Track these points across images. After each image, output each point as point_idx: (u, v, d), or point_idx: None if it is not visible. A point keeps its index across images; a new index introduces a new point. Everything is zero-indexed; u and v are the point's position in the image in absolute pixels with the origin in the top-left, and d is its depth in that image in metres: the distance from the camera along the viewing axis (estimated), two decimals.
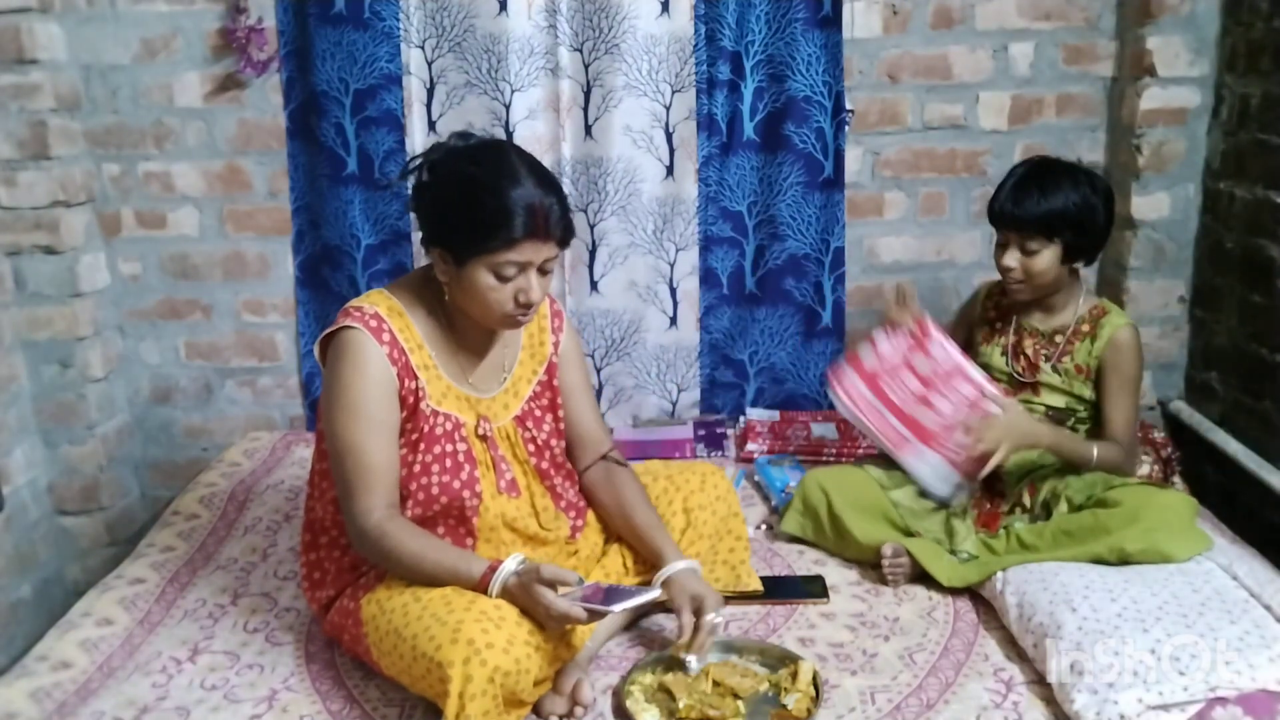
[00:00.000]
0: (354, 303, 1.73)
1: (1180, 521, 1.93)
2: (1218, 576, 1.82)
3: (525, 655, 1.50)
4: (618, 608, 1.58)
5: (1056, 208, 2.02)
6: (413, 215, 2.61)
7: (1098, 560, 1.89)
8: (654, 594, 1.66)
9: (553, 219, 1.62)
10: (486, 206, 1.60)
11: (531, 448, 1.82)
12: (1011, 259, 2.09)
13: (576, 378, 1.93)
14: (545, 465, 1.84)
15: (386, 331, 1.68)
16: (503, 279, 1.63)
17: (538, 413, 1.85)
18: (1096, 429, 2.16)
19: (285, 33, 2.63)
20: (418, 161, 1.70)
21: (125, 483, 2.80)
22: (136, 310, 2.81)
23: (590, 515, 1.93)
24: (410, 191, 1.72)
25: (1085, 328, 2.13)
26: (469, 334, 1.77)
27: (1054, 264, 2.07)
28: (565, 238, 1.67)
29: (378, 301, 1.72)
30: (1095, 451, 2.08)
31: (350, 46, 2.59)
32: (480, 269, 1.62)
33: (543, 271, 1.66)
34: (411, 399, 1.69)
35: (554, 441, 1.86)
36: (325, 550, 1.80)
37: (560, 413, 1.88)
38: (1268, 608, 1.71)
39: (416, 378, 1.69)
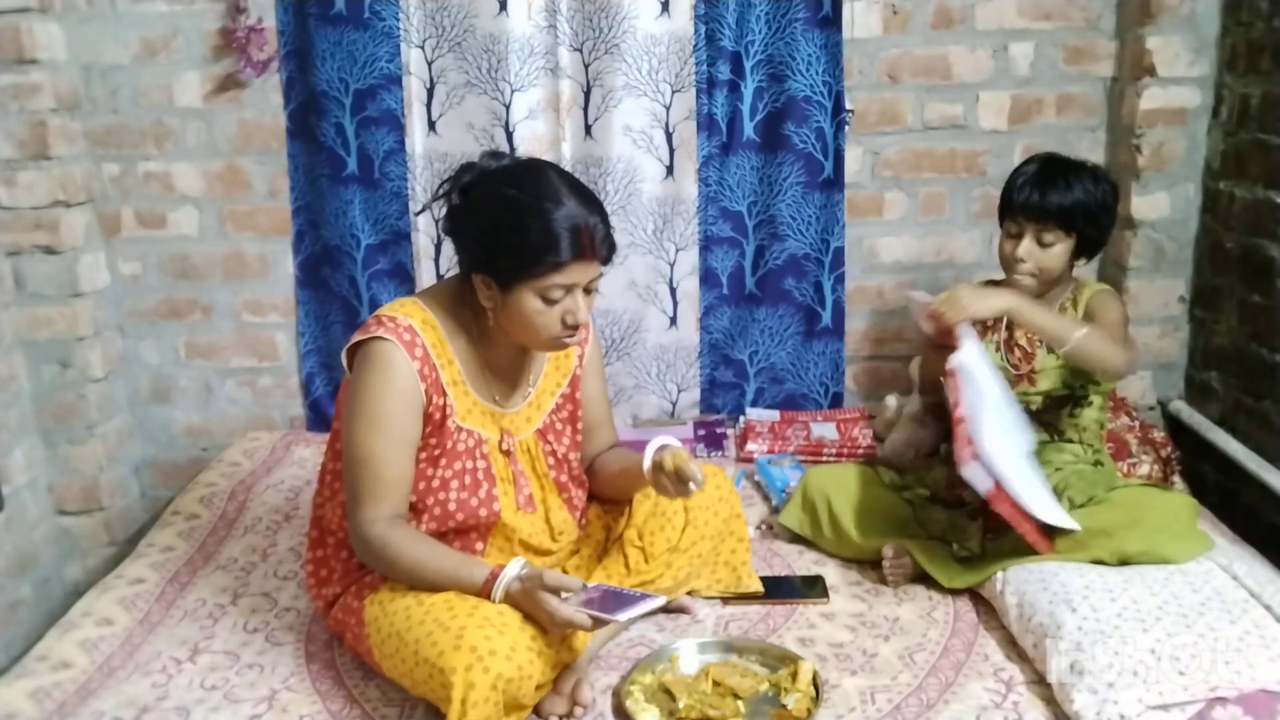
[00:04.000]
0: (387, 311, 1.69)
1: (1180, 524, 1.93)
2: (1218, 576, 1.82)
3: (528, 661, 1.50)
4: (623, 616, 1.56)
5: (1080, 200, 2.03)
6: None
7: (1097, 562, 1.89)
8: (658, 601, 1.65)
9: (598, 238, 1.60)
10: (531, 230, 1.56)
11: (551, 460, 1.82)
12: (1025, 250, 2.07)
13: (597, 387, 1.93)
14: (564, 478, 1.83)
15: (420, 346, 1.65)
16: (550, 302, 1.60)
17: (559, 425, 1.84)
18: (1096, 410, 2.14)
19: (285, 33, 2.63)
20: (448, 185, 1.67)
21: (125, 483, 2.81)
22: (136, 310, 2.81)
23: (591, 514, 1.93)
24: (445, 216, 1.68)
25: (1068, 304, 2.14)
26: (501, 350, 1.75)
27: (1066, 256, 2.08)
28: (609, 255, 1.65)
29: (412, 313, 1.68)
30: (1079, 330, 1.95)
31: (350, 46, 2.59)
32: (527, 294, 1.60)
33: (587, 291, 1.64)
34: (438, 415, 1.68)
35: (572, 455, 1.85)
36: (332, 550, 1.80)
37: (579, 425, 1.87)
38: (1268, 608, 1.71)
39: (445, 394, 1.68)
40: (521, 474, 1.77)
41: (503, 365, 1.77)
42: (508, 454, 1.75)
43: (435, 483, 1.68)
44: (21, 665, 1.78)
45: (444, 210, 1.69)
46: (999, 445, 1.89)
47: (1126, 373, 2.07)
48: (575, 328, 1.64)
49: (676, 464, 1.68)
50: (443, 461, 1.68)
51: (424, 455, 1.69)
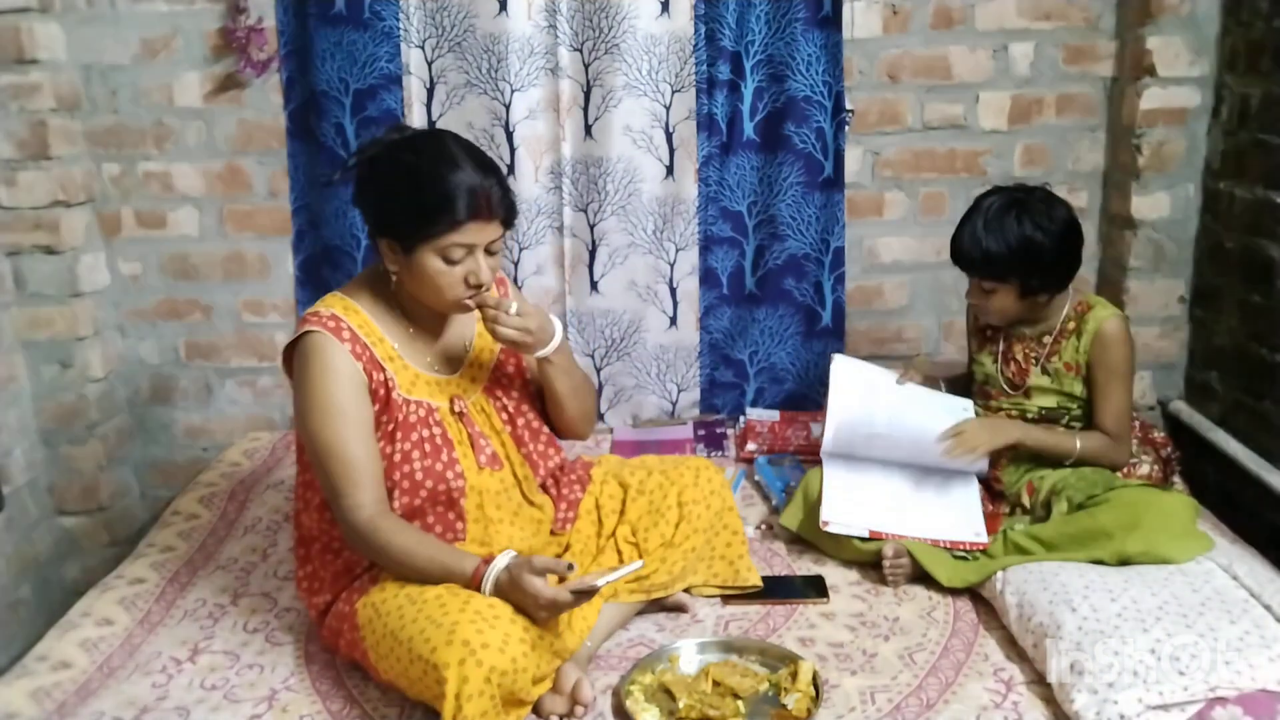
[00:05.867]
0: (311, 309, 1.75)
1: (1180, 524, 1.92)
2: (1218, 576, 1.82)
3: (521, 654, 1.50)
4: (601, 581, 1.61)
5: (997, 253, 2.03)
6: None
7: (1097, 562, 1.89)
8: (636, 565, 1.72)
9: (494, 199, 1.66)
10: (429, 192, 1.63)
11: (505, 416, 1.85)
12: (974, 297, 2.15)
13: None
14: (520, 432, 1.86)
15: (346, 329, 1.70)
16: (451, 262, 1.66)
17: (505, 381, 1.88)
18: (1088, 426, 2.16)
19: (285, 33, 2.63)
20: (354, 159, 1.74)
21: (125, 483, 2.80)
22: (136, 310, 2.81)
23: (582, 508, 1.93)
24: (353, 188, 1.75)
25: (1071, 325, 2.14)
26: (424, 320, 1.80)
27: (1012, 300, 2.09)
28: (508, 217, 1.71)
29: (332, 303, 1.75)
30: (1078, 442, 2.10)
31: (350, 46, 2.59)
32: (428, 254, 1.65)
33: (489, 252, 1.69)
34: (382, 391, 1.72)
35: (525, 407, 1.89)
36: (318, 558, 1.80)
37: (527, 376, 1.91)
38: (1268, 608, 1.71)
39: (384, 369, 1.72)
40: (480, 434, 1.80)
41: (430, 333, 1.81)
42: (461, 416, 1.78)
43: (397, 457, 1.71)
44: (21, 665, 1.78)
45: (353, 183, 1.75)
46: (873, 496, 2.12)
47: (1126, 460, 2.16)
48: (478, 287, 1.69)
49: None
50: (398, 435, 1.71)
51: (380, 434, 1.72)
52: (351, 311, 1.74)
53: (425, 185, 1.64)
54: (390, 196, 1.67)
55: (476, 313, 1.85)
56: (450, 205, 1.62)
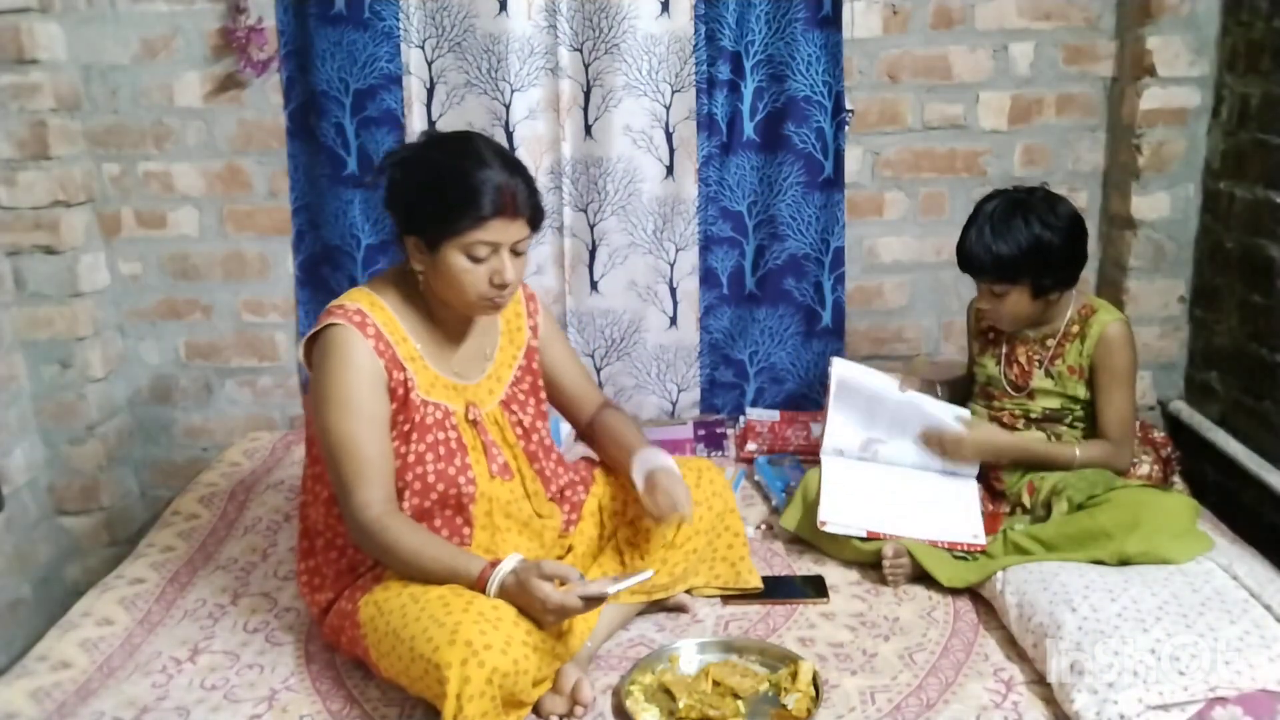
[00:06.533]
0: (336, 301, 1.75)
1: (1180, 525, 1.93)
2: (1218, 576, 1.82)
3: (523, 656, 1.50)
4: (612, 589, 1.60)
5: (1008, 255, 2.03)
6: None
7: (1097, 562, 1.89)
8: (647, 575, 1.69)
9: (520, 198, 1.66)
10: (454, 189, 1.63)
11: (519, 430, 1.85)
12: (984, 303, 2.15)
13: (563, 352, 1.97)
14: (533, 448, 1.86)
15: (371, 326, 1.70)
16: (476, 260, 1.65)
17: (521, 396, 1.87)
18: (1092, 427, 2.16)
19: (285, 33, 2.63)
20: (384, 162, 1.74)
21: (125, 483, 2.80)
22: (136, 310, 2.81)
23: (585, 510, 1.93)
24: (384, 191, 1.74)
25: (1075, 328, 2.14)
26: (449, 323, 1.79)
27: (1024, 301, 2.09)
28: (535, 218, 1.70)
29: (359, 298, 1.74)
30: (1077, 451, 2.10)
31: (350, 46, 2.59)
32: (453, 251, 1.65)
33: (515, 252, 1.69)
34: (401, 390, 1.71)
35: (539, 424, 1.88)
36: (322, 554, 1.80)
37: (542, 395, 1.90)
38: (1268, 608, 1.71)
39: (404, 369, 1.71)
40: (493, 444, 1.79)
41: (454, 337, 1.81)
42: (475, 424, 1.78)
43: (411, 458, 1.70)
44: (21, 665, 1.78)
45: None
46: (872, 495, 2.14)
47: (1128, 464, 2.15)
48: (503, 287, 1.68)
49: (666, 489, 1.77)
50: (414, 436, 1.71)
51: (395, 433, 1.71)
52: (377, 308, 1.73)
53: (450, 181, 1.64)
54: (416, 194, 1.67)
55: (500, 322, 1.86)
56: (475, 201, 1.62)
